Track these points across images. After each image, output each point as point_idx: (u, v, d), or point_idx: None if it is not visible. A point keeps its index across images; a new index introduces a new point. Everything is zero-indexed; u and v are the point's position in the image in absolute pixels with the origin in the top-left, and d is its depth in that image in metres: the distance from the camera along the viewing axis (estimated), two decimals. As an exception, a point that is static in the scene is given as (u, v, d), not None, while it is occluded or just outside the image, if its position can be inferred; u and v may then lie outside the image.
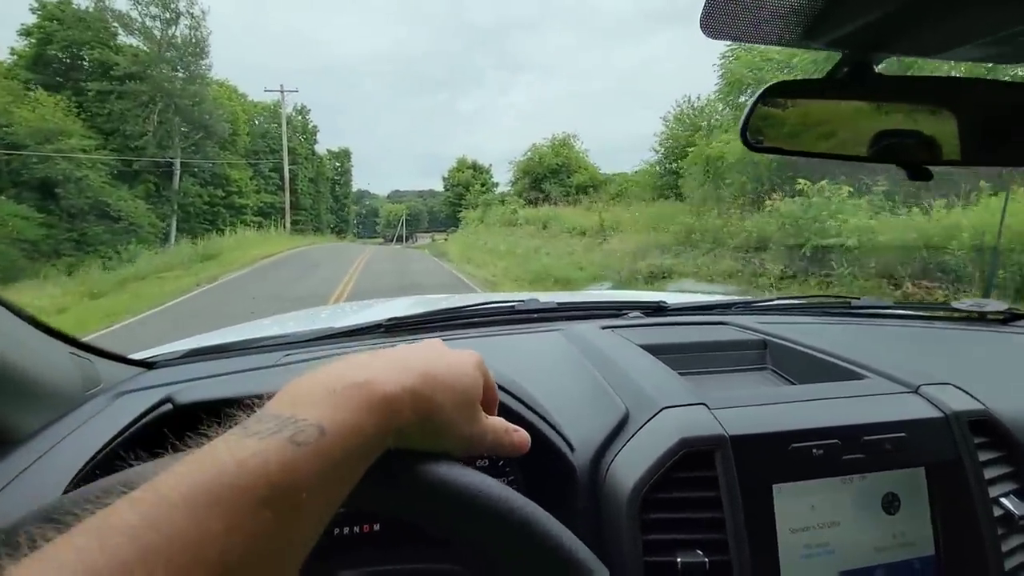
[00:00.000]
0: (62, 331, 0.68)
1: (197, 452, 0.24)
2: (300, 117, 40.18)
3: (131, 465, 0.30)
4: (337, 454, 0.25)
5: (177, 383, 0.74)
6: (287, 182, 32.37)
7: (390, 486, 0.31)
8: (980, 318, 1.08)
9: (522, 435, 0.39)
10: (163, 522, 0.19)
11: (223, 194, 27.90)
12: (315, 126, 41.84)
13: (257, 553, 0.21)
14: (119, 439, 0.51)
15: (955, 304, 1.13)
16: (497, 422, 0.37)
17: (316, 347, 0.93)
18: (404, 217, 77.34)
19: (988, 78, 0.64)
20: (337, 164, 49.32)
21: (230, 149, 28.66)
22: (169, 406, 0.55)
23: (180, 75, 24.09)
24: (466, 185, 44.85)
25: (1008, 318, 1.07)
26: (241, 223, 28.91)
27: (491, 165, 48.65)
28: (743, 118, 0.61)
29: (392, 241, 75.95)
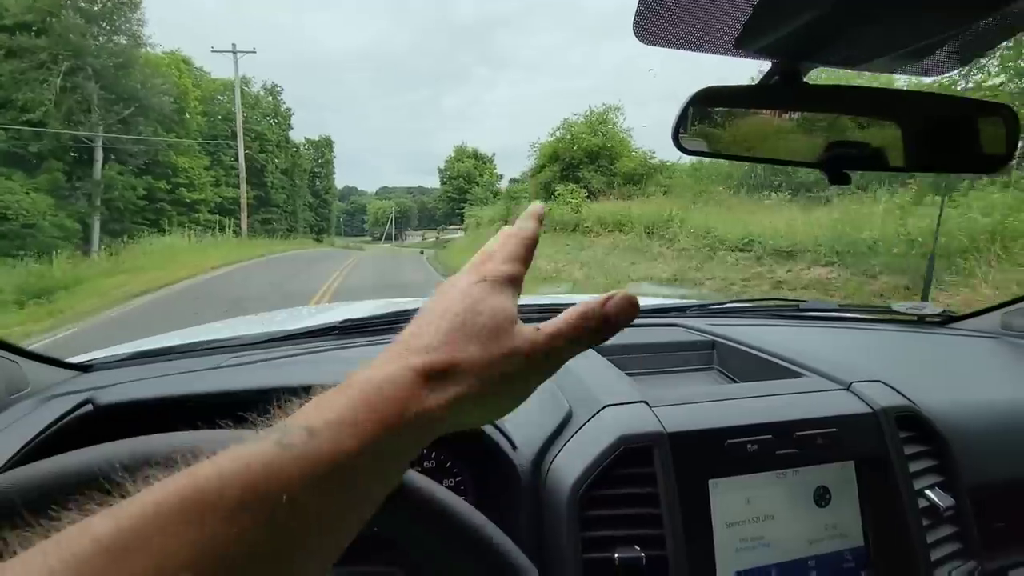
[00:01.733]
0: None
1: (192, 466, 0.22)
2: (270, 98, 33.32)
3: None
4: (327, 454, 0.22)
5: (111, 385, 0.69)
6: (242, 170, 25.36)
7: None
8: (919, 320, 1.15)
9: (620, 297, 0.30)
10: (131, 525, 0.19)
11: (167, 186, 22.25)
12: (289, 108, 34.64)
13: (236, 559, 0.20)
14: (34, 443, 0.51)
15: (895, 307, 1.19)
16: (562, 320, 0.30)
17: (266, 349, 0.90)
18: (393, 214, 72.27)
19: (906, 89, 0.69)
20: (317, 155, 43.22)
21: (178, 131, 23.00)
22: (89, 407, 0.58)
23: (98, 30, 18.23)
24: (467, 177, 39.72)
25: (944, 320, 1.14)
26: (192, 223, 23.22)
27: (494, 154, 43.65)
28: (675, 121, 0.62)
29: (381, 240, 70.98)
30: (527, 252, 0.34)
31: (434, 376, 0.26)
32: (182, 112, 23.25)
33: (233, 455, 0.22)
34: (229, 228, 24.50)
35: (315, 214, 40.87)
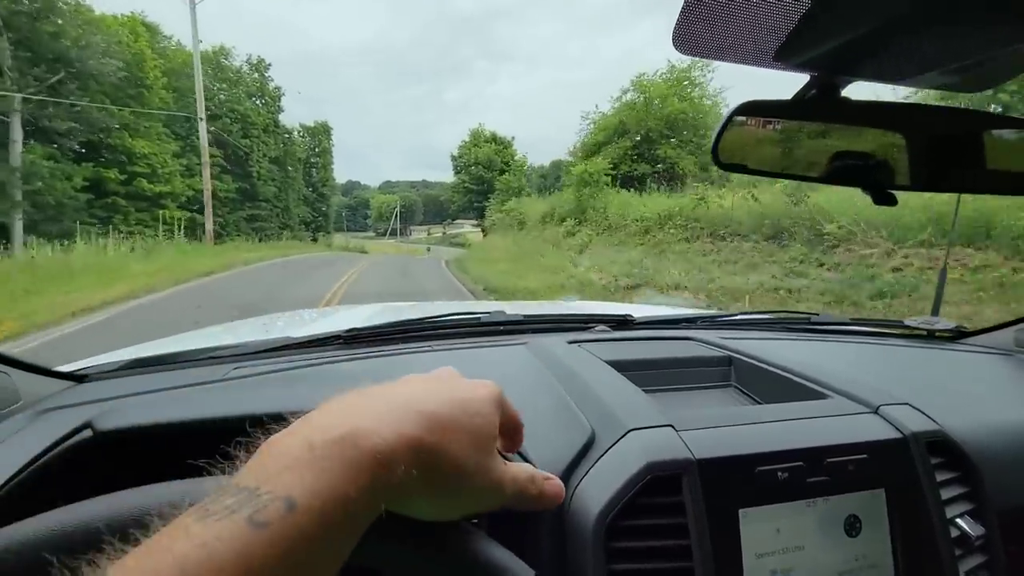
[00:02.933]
0: None
1: (145, 544, 0.20)
2: (256, 74, 28.39)
3: (51, 495, 0.29)
4: (311, 530, 0.21)
5: (109, 399, 0.68)
6: (205, 153, 19.15)
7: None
8: (930, 335, 1.13)
9: (554, 484, 0.33)
10: None
11: (122, 176, 17.80)
12: (278, 87, 29.75)
13: None
14: (32, 467, 0.49)
15: (907, 321, 1.18)
16: (520, 469, 0.32)
17: (269, 359, 0.87)
18: (398, 209, 67.96)
19: (944, 106, 0.64)
20: (313, 143, 37.95)
21: (135, 107, 18.49)
22: (88, 433, 0.54)
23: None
24: (487, 164, 35.13)
25: (956, 335, 1.13)
26: (155, 220, 18.72)
27: (513, 138, 39.38)
28: (715, 135, 0.62)
29: (385, 235, 65.39)
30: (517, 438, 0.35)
31: (419, 451, 0.26)
32: (139, 85, 18.72)
33: (196, 540, 0.20)
34: (202, 228, 20.00)
35: (311, 209, 35.90)
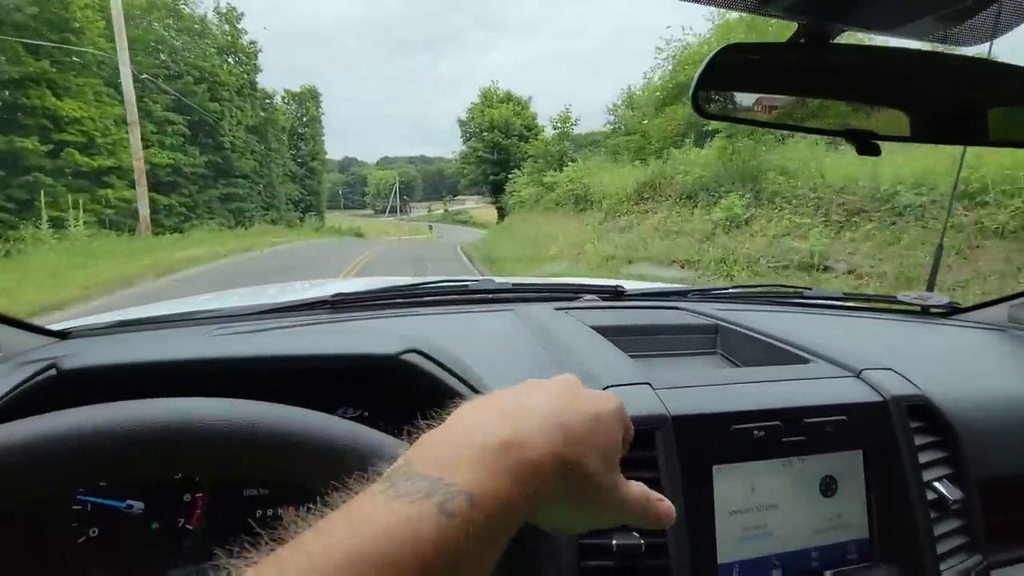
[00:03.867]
0: None
1: (343, 509, 0.22)
2: (226, 25, 23.48)
3: None
4: (484, 527, 0.23)
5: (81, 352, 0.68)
6: (132, 109, 13.38)
7: None
8: (923, 311, 1.12)
9: (667, 506, 0.34)
10: None
11: (45, 146, 13.93)
12: (254, 43, 25.01)
13: None
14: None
15: (900, 296, 1.16)
16: (638, 488, 0.33)
17: (255, 321, 0.87)
18: (396, 185, 64.08)
19: (942, 52, 0.59)
20: (299, 111, 33.62)
21: (58, 57, 14.45)
22: (53, 371, 0.57)
23: None
24: (504, 128, 30.49)
25: (949, 311, 1.12)
26: (97, 202, 14.96)
27: (531, 97, 34.11)
28: (694, 82, 0.59)
29: (384, 213, 63.04)
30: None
31: (566, 467, 0.27)
32: (63, 28, 14.57)
33: (399, 515, 0.21)
34: (165, 211, 16.21)
35: (300, 187, 31.85)
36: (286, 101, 33.23)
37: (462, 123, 33.85)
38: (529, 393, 0.30)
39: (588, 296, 1.09)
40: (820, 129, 0.65)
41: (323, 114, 35.52)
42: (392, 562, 0.20)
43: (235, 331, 0.79)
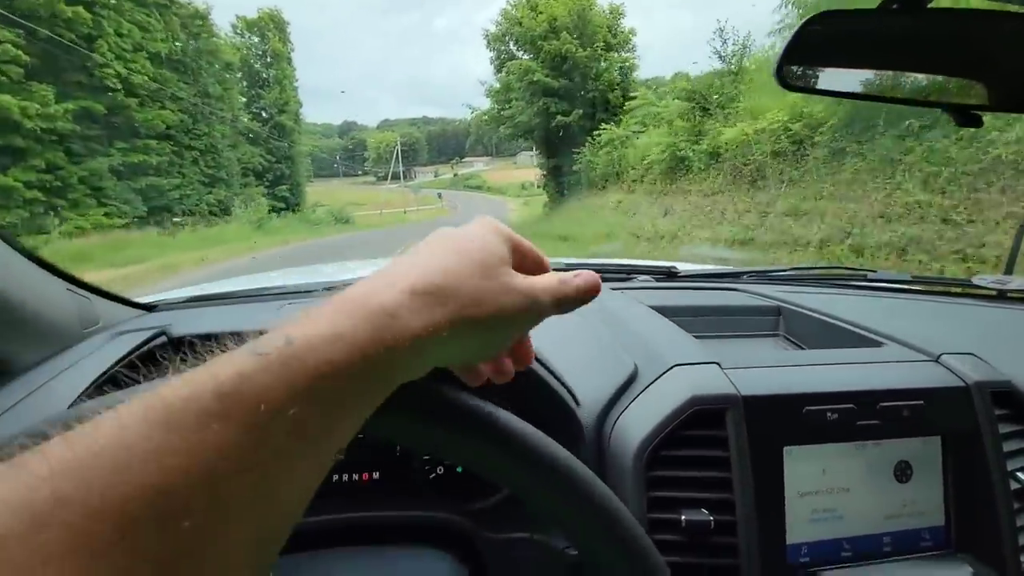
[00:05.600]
0: (60, 267, 0.66)
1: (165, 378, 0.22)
2: None
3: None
4: (311, 364, 0.21)
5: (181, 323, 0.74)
6: None
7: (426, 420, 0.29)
8: (1000, 295, 1.04)
9: (586, 274, 0.33)
10: (83, 442, 0.18)
11: None
12: None
13: (207, 477, 0.19)
14: (112, 370, 0.56)
15: (975, 280, 1.09)
16: (545, 277, 0.32)
17: (318, 297, 0.92)
18: (398, 148, 55.57)
19: None
20: (259, 48, 24.51)
21: None
22: (164, 337, 0.64)
23: None
24: (577, 32, 17.61)
25: None
26: None
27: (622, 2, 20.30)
28: (781, 52, 0.57)
29: (387, 179, 57.96)
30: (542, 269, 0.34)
31: (427, 296, 0.26)
32: None
33: (204, 368, 0.21)
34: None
35: (264, 153, 23.40)
36: (238, 31, 24.19)
37: (493, 41, 20.29)
38: (404, 255, 0.30)
39: (642, 277, 1.10)
40: (915, 100, 0.61)
41: (293, 50, 26.20)
42: (184, 403, 0.19)
43: (302, 306, 0.89)
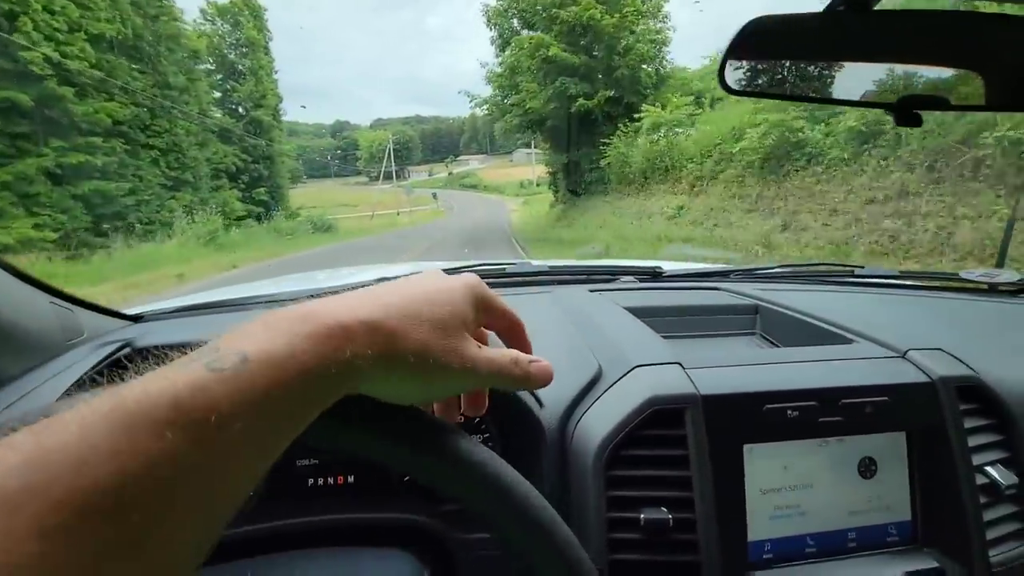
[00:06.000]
0: (42, 280, 0.67)
1: (125, 383, 0.23)
2: None
3: None
4: (262, 382, 0.23)
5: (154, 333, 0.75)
6: None
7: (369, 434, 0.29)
8: (990, 289, 1.02)
9: (541, 365, 0.33)
10: (52, 437, 0.19)
11: None
12: None
13: (155, 476, 0.20)
14: (78, 383, 0.57)
15: (964, 274, 1.06)
16: (500, 352, 0.32)
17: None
18: (390, 146, 54.26)
19: (991, 12, 0.55)
20: (231, 37, 21.90)
21: None
22: (128, 349, 0.67)
23: None
24: (580, 23, 14.11)
25: (1020, 290, 1.01)
26: None
27: None
28: (723, 56, 0.58)
29: (379, 179, 56.01)
30: (517, 334, 0.36)
31: (374, 331, 0.27)
32: None
33: (162, 375, 0.22)
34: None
35: (240, 150, 20.85)
36: (209, 18, 21.89)
37: (494, 17, 17.18)
38: (378, 285, 0.31)
39: (625, 278, 1.10)
40: (855, 101, 0.63)
41: (271, 39, 23.78)
42: (144, 409, 0.20)
43: (261, 312, 0.90)
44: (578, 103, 14.51)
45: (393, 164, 54.07)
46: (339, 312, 0.26)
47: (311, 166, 74.32)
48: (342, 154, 78.52)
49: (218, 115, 20.47)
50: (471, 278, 0.33)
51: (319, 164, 74.63)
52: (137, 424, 0.20)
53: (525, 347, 0.36)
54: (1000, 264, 1.08)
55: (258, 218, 20.19)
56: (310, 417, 0.25)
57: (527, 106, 15.77)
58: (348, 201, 43.36)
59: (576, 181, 16.25)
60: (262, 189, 21.76)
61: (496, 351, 0.32)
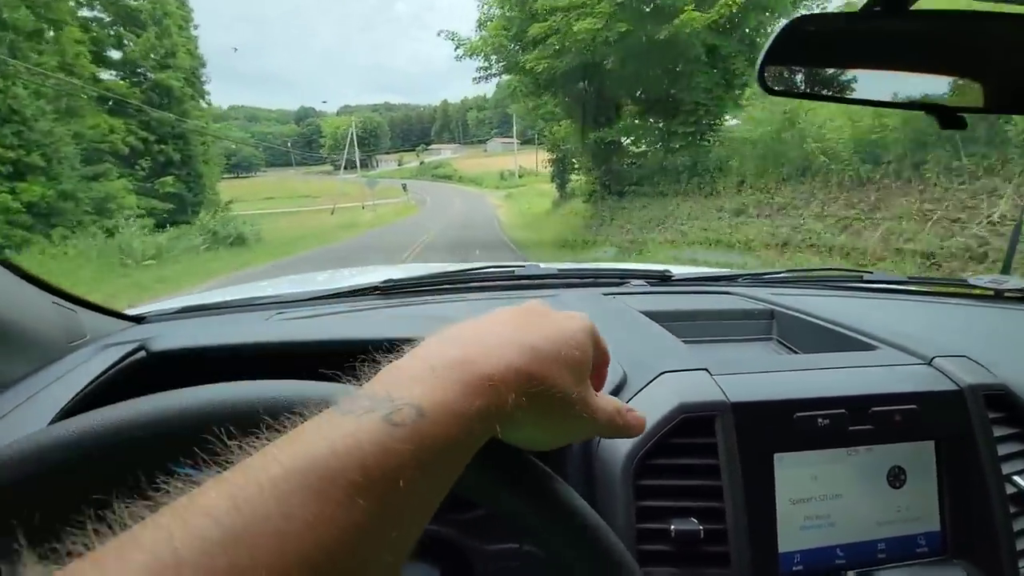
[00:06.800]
0: (45, 280, 0.66)
1: (290, 432, 0.22)
2: None
3: None
4: (439, 439, 0.23)
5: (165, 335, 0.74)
6: None
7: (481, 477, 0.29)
8: (997, 296, 1.02)
9: (636, 415, 0.35)
10: (250, 506, 0.18)
11: None
12: None
13: (348, 547, 0.19)
14: (91, 386, 0.56)
15: (971, 280, 1.06)
16: (608, 400, 0.33)
17: (310, 307, 0.92)
18: (353, 132, 49.14)
19: None
20: None
21: None
22: (143, 353, 0.62)
23: None
24: None
25: None
26: None
27: None
28: (761, 57, 0.57)
29: (342, 169, 51.78)
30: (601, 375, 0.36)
31: (528, 379, 0.27)
32: None
33: (342, 430, 0.21)
34: None
35: (138, 127, 14.86)
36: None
37: None
38: (492, 320, 0.31)
39: (635, 281, 1.09)
40: (897, 103, 0.62)
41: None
42: (335, 474, 0.20)
43: (294, 316, 0.82)
44: (675, 22, 8.74)
45: (358, 152, 48.87)
46: (493, 357, 0.26)
47: (273, 154, 68.53)
48: (305, 141, 76.52)
49: (103, 76, 14.99)
50: (587, 320, 0.33)
51: (281, 152, 69.04)
52: (328, 491, 0.19)
53: (603, 381, 0.36)
54: (1006, 270, 1.03)
55: (166, 221, 14.98)
56: (463, 465, 0.25)
57: (558, 59, 9.66)
58: (309, 192, 37.69)
59: (618, 170, 10.95)
60: (171, 177, 16.33)
61: (603, 399, 0.33)
